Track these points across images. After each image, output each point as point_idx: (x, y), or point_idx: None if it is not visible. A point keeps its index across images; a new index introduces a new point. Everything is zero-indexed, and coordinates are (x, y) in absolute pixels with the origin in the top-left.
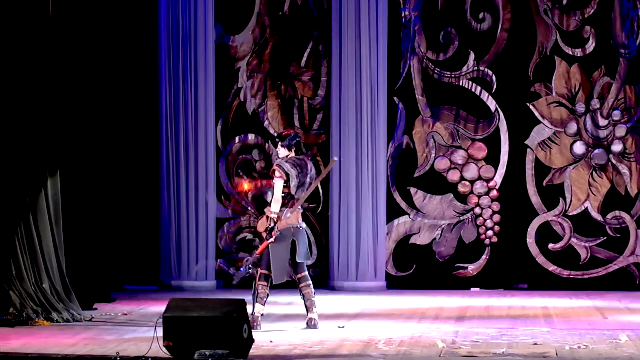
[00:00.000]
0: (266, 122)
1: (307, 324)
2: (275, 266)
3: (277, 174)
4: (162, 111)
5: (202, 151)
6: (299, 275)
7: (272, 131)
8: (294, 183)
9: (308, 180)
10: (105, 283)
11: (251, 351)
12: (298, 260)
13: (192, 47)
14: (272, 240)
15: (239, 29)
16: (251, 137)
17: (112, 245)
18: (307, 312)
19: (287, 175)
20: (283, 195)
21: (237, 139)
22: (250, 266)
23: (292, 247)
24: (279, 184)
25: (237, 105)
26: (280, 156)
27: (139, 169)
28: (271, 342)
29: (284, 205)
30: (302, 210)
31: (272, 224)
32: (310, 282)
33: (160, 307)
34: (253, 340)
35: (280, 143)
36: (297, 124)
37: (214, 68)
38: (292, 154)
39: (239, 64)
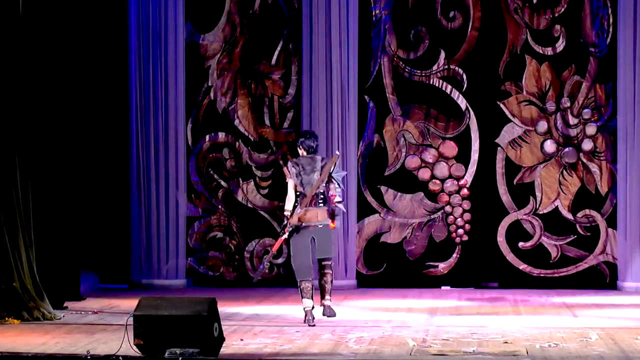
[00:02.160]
0: (236, 121)
1: (323, 310)
2: (295, 264)
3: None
4: (132, 109)
5: (172, 149)
6: (325, 264)
7: (242, 129)
8: (297, 181)
9: (315, 176)
10: (75, 282)
11: (222, 349)
12: (318, 257)
13: (162, 46)
14: (285, 236)
15: (209, 28)
16: (221, 135)
17: (83, 244)
18: (321, 298)
19: (290, 174)
20: (297, 194)
21: (207, 137)
22: (267, 263)
23: (312, 244)
24: (288, 183)
25: (207, 104)
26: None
27: (109, 167)
28: (241, 340)
29: (305, 203)
30: (326, 208)
31: (285, 221)
32: (332, 272)
33: (130, 306)
34: (223, 339)
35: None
36: (267, 122)
37: (184, 66)
38: (304, 153)
39: (209, 62)
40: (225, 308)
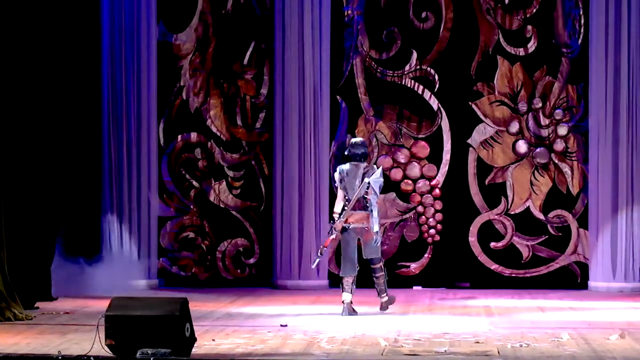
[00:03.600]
0: (208, 121)
1: (380, 306)
2: (343, 261)
3: None
4: (104, 109)
5: (145, 149)
6: (372, 266)
7: (214, 129)
8: (341, 186)
9: (357, 182)
10: (47, 282)
11: (193, 349)
12: (364, 257)
13: (135, 45)
14: (332, 236)
15: (181, 27)
16: (193, 135)
17: (54, 245)
18: (378, 296)
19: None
20: (346, 198)
21: (179, 137)
22: (320, 254)
23: (358, 245)
24: (338, 187)
25: (180, 104)
26: None
27: (81, 166)
28: (213, 340)
29: (352, 207)
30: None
31: (333, 222)
32: (382, 273)
33: (102, 306)
34: (195, 339)
35: None
36: (239, 122)
37: (156, 66)
38: (352, 160)
39: (181, 62)
40: (197, 308)
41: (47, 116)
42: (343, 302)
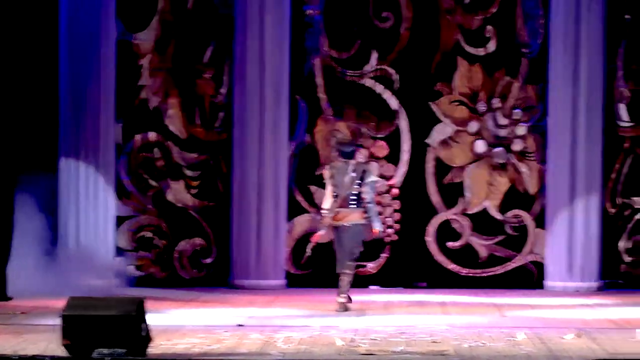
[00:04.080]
0: (167, 120)
1: (338, 305)
2: (337, 257)
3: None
4: (62, 108)
5: (103, 148)
6: (345, 269)
7: (173, 129)
8: (332, 183)
9: (346, 179)
10: (2, 282)
11: (149, 349)
12: (347, 251)
13: (94, 44)
14: (321, 232)
15: (141, 26)
16: (152, 134)
17: (10, 245)
18: (338, 295)
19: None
20: (335, 195)
21: (137, 136)
22: (309, 251)
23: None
24: (327, 185)
25: (139, 103)
26: None
27: (38, 166)
28: (169, 340)
29: (345, 204)
30: (359, 209)
31: (322, 219)
32: (352, 272)
33: (59, 306)
34: (151, 339)
35: None
36: (198, 121)
37: (115, 65)
38: (341, 158)
39: (140, 61)
40: (153, 308)
41: (3, 114)
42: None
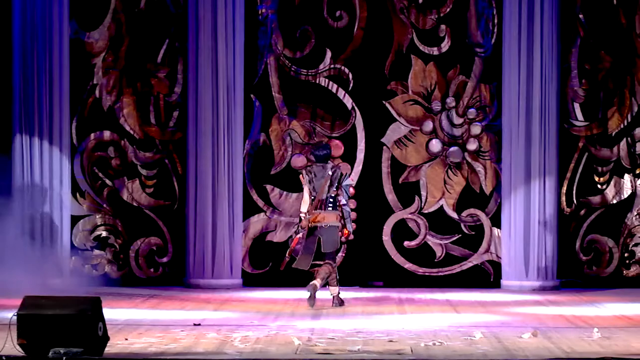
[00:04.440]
0: (122, 119)
1: (309, 297)
2: (300, 256)
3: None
4: (15, 107)
5: (57, 147)
6: (328, 260)
7: (127, 128)
8: (310, 187)
9: (323, 183)
10: None
11: (106, 349)
12: (323, 251)
13: (47, 43)
14: (299, 235)
15: (94, 25)
16: (106, 133)
17: None
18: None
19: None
20: (312, 197)
21: (92, 135)
22: (288, 256)
23: (319, 242)
24: (304, 188)
25: (92, 102)
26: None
27: None
28: (126, 339)
29: (317, 207)
30: (335, 212)
31: (299, 222)
32: (332, 264)
33: (14, 305)
34: (108, 338)
35: None
36: (152, 120)
37: (69, 64)
38: (316, 162)
39: (94, 60)
40: (110, 307)
41: None
42: (332, 294)
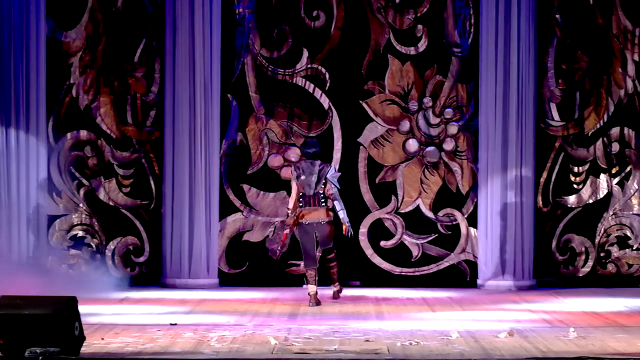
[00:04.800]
0: (98, 119)
1: (333, 295)
2: (304, 256)
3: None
4: None
5: (34, 147)
6: (328, 257)
7: (104, 127)
8: (299, 183)
9: (313, 179)
10: None
11: (82, 348)
12: (321, 248)
13: (24, 42)
14: (287, 231)
15: (71, 24)
16: (83, 133)
17: None
18: (332, 284)
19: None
20: (301, 194)
21: (68, 135)
22: (280, 248)
23: (316, 238)
24: (292, 184)
25: (69, 101)
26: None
27: None
28: (103, 339)
29: (307, 203)
30: (325, 207)
31: (286, 217)
32: (335, 263)
33: None
34: (84, 338)
35: None
36: (129, 120)
37: (46, 63)
38: (304, 159)
39: (71, 59)
40: (86, 307)
41: None
42: (309, 294)
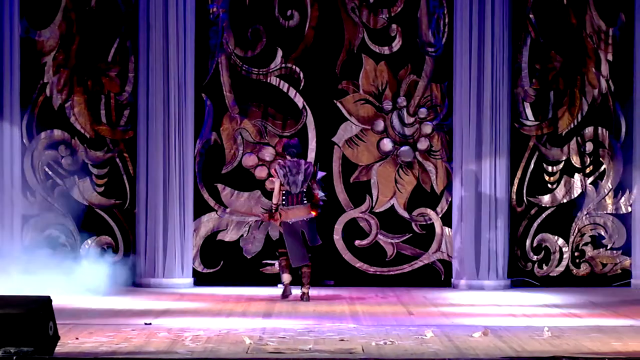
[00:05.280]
0: (72, 118)
1: (301, 296)
2: (292, 254)
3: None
4: None
5: (7, 146)
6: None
7: (78, 127)
8: (284, 181)
9: (299, 178)
10: None
11: (57, 348)
12: (310, 245)
13: None
14: (264, 216)
15: (45, 24)
16: (57, 132)
17: None
18: (302, 286)
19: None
20: (284, 192)
21: (42, 134)
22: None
23: (302, 236)
24: (275, 182)
25: (43, 101)
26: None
27: None
28: (77, 339)
29: (296, 201)
30: (308, 204)
31: (271, 209)
32: (310, 263)
33: None
34: (58, 337)
35: None
36: (103, 119)
37: (19, 63)
38: (289, 157)
39: (44, 58)
40: (60, 306)
41: None
42: (284, 283)
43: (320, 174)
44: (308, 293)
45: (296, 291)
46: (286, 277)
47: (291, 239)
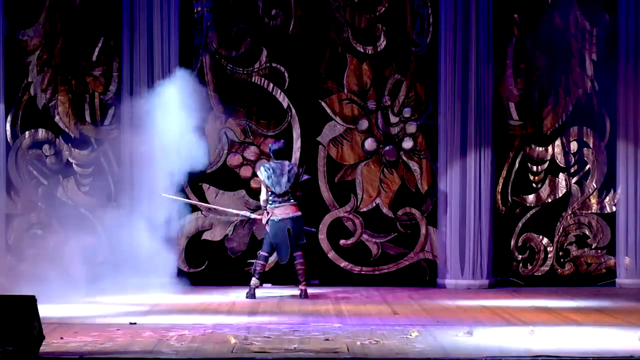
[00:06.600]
0: (57, 117)
1: (299, 294)
2: (278, 250)
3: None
4: None
5: None
6: (299, 253)
7: (62, 126)
8: (269, 182)
9: (283, 179)
10: None
11: (42, 348)
12: (294, 243)
13: None
14: (262, 219)
15: (29, 23)
16: (41, 132)
17: None
18: (299, 284)
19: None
20: (269, 193)
21: (26, 133)
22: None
23: (288, 233)
24: (261, 183)
25: (27, 100)
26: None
27: None
28: (62, 338)
29: (282, 200)
30: (295, 203)
31: (262, 210)
32: (303, 259)
33: None
34: (43, 337)
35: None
36: (88, 119)
37: (3, 62)
38: (273, 159)
39: (29, 58)
40: (45, 306)
41: None
42: (253, 285)
43: (305, 177)
44: (306, 290)
45: (293, 291)
46: (254, 282)
47: (277, 237)
